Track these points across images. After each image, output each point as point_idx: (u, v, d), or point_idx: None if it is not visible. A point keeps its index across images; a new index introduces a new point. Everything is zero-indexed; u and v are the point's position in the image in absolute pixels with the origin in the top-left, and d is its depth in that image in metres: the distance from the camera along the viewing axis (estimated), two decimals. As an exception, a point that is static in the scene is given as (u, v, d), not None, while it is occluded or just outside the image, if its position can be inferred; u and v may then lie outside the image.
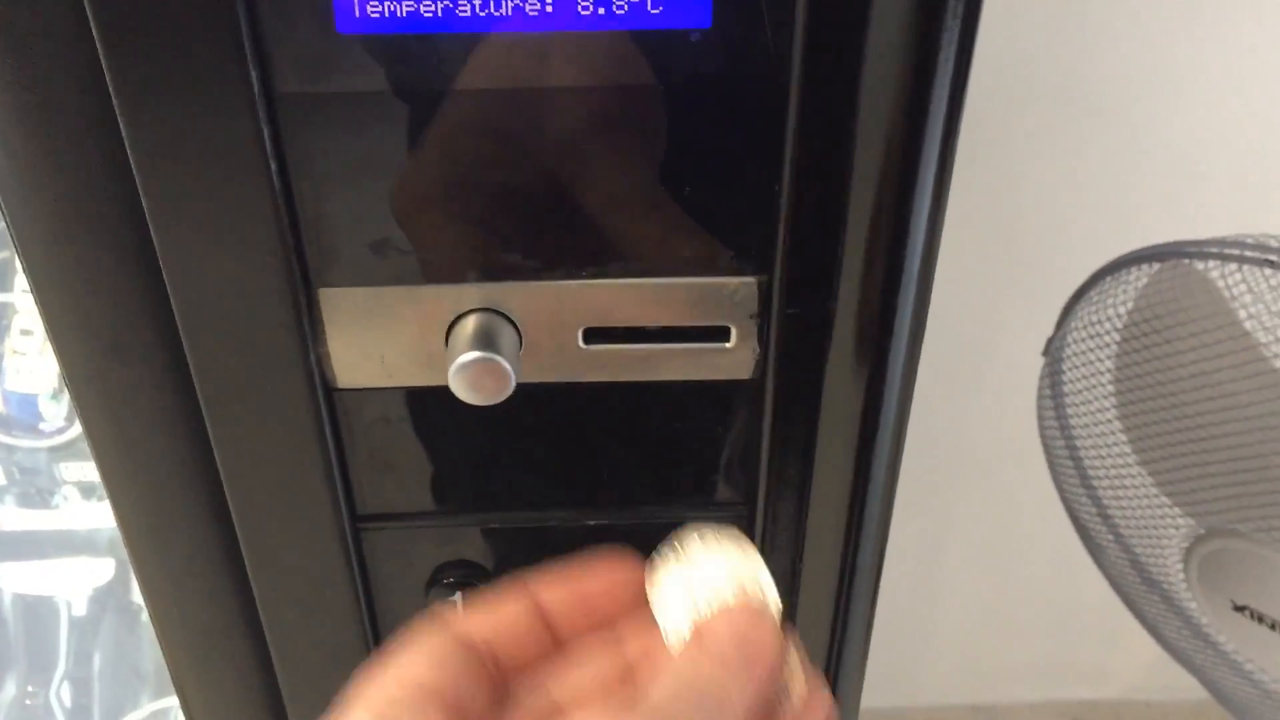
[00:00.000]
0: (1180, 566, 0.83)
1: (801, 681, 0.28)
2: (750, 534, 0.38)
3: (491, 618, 0.29)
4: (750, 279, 0.33)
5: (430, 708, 0.27)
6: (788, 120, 0.30)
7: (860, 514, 0.38)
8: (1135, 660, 1.15)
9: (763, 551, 0.38)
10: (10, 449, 0.85)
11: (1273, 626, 0.76)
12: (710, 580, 0.28)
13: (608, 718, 0.26)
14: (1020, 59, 0.83)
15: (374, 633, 0.40)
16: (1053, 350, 0.84)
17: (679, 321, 0.34)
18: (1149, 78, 0.84)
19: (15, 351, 0.81)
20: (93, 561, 0.97)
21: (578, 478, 0.38)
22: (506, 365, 0.32)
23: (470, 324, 0.33)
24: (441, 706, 0.27)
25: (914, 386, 0.35)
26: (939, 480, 1.01)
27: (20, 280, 0.79)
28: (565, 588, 0.30)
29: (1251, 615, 0.77)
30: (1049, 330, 0.81)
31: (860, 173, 0.31)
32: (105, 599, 0.97)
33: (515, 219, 0.32)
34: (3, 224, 0.32)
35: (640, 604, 0.29)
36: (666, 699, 0.26)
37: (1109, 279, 0.80)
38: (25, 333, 0.79)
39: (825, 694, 0.29)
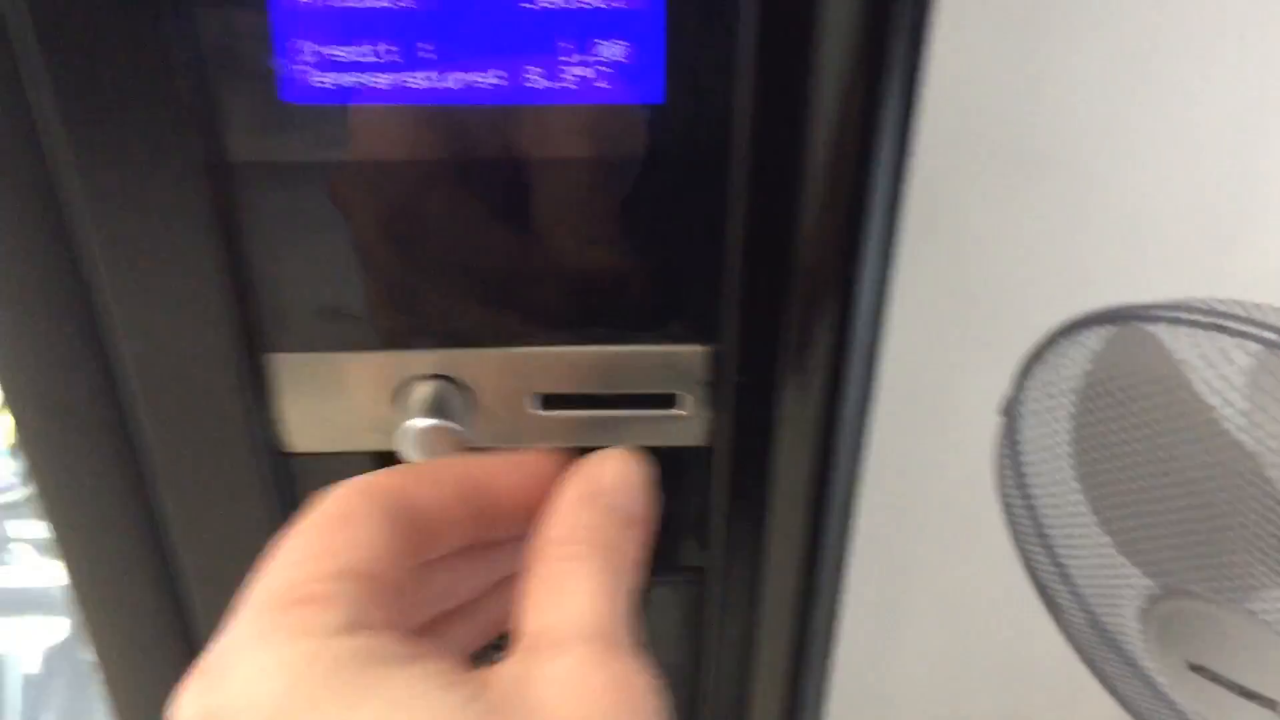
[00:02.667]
0: (1138, 626, 0.83)
1: None
2: (703, 599, 0.38)
3: (430, 487, 0.29)
4: (701, 347, 0.33)
5: (350, 590, 0.26)
6: (737, 193, 0.31)
7: (814, 576, 0.38)
8: (1095, 715, 1.15)
9: (717, 616, 0.38)
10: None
11: (1228, 686, 0.76)
12: None
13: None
14: (974, 120, 0.85)
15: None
16: (1009, 410, 0.85)
17: (632, 388, 0.34)
18: (1101, 139, 0.86)
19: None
20: (46, 620, 0.95)
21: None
22: (457, 430, 0.32)
23: (421, 389, 0.33)
24: (364, 585, 0.26)
25: (865, 447, 0.36)
26: (899, 535, 1.02)
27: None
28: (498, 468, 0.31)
29: (1207, 675, 0.78)
30: (1006, 386, 0.82)
31: (805, 243, 0.31)
32: (58, 658, 0.96)
33: (467, 287, 0.32)
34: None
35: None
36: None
37: (1063, 341, 0.81)
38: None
39: None
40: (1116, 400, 0.80)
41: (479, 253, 0.32)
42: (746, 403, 0.34)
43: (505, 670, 0.26)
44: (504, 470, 0.31)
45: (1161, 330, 0.76)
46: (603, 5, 0.29)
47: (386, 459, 0.33)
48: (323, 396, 0.33)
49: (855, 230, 0.31)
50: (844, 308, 0.32)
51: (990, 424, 0.85)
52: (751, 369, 0.33)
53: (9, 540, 0.94)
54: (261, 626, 0.25)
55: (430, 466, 0.30)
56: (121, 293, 0.31)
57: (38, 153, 0.29)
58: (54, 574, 0.90)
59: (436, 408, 0.33)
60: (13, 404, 0.34)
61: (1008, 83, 0.82)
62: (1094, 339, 0.81)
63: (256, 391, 0.33)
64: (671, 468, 0.36)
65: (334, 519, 0.27)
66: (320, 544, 0.27)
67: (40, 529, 0.85)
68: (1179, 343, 0.74)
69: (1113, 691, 0.91)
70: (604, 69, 0.30)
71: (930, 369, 0.89)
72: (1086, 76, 0.82)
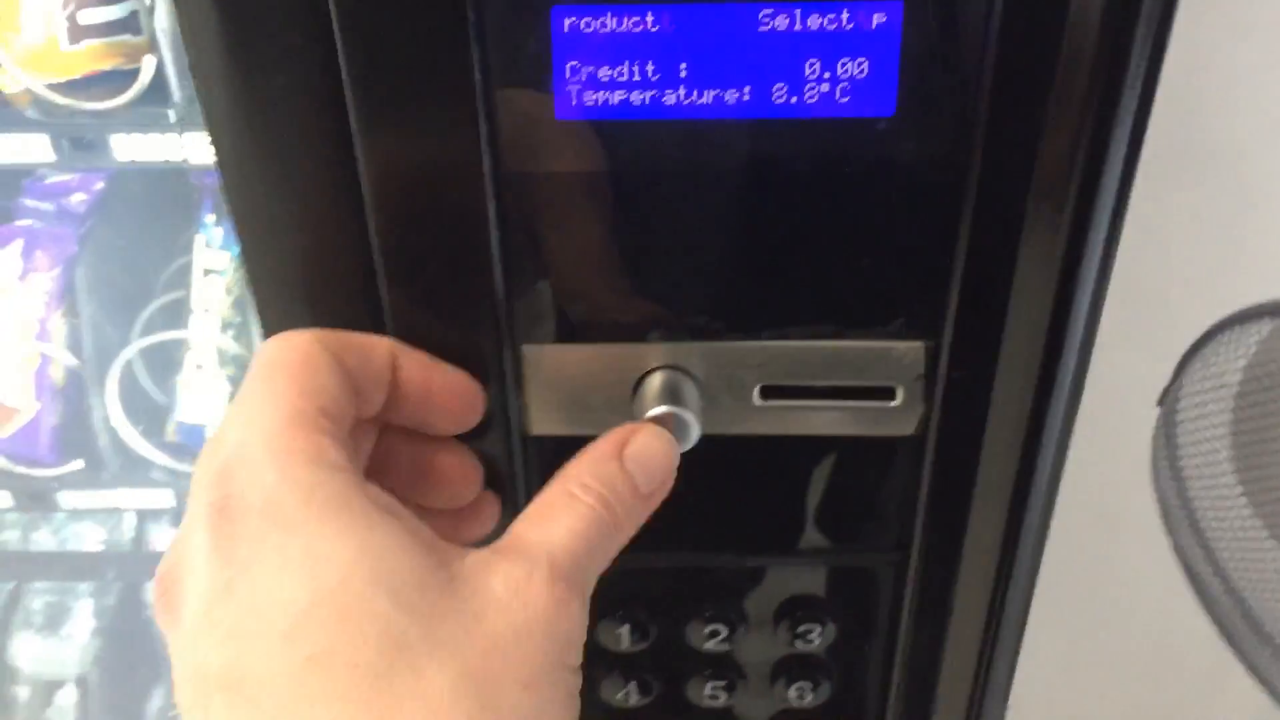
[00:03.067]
0: (1296, 622, 0.82)
1: None
2: (903, 580, 0.41)
3: (358, 353, 0.32)
4: (918, 343, 0.36)
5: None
6: (965, 201, 0.33)
7: (1009, 567, 0.40)
8: (1240, 706, 1.14)
9: (914, 596, 0.40)
10: (181, 475, 0.91)
11: (1393, 686, 0.75)
12: None
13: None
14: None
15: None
16: (1168, 402, 0.84)
17: (850, 381, 0.36)
18: (1263, 134, 0.85)
19: (188, 385, 0.87)
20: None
21: (741, 522, 0.41)
22: (691, 418, 0.35)
23: (657, 380, 0.36)
24: (340, 427, 0.30)
25: (1069, 446, 0.37)
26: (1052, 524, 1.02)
27: (195, 319, 0.85)
28: (421, 363, 0.34)
29: (1370, 673, 0.77)
30: (1162, 380, 0.82)
31: (1028, 252, 0.33)
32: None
33: (702, 285, 0.35)
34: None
35: (469, 415, 0.35)
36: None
37: (1225, 334, 0.80)
38: (198, 367, 0.85)
39: None
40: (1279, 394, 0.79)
41: (718, 254, 0.35)
42: (959, 397, 0.36)
43: (476, 553, 0.29)
44: (418, 364, 0.34)
45: (1333, 325, 0.75)
46: (842, 27, 0.31)
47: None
48: (567, 385, 0.37)
49: (1079, 240, 0.33)
50: (1060, 314, 0.34)
51: (1148, 417, 0.84)
52: (967, 365, 0.35)
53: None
54: (281, 443, 0.29)
55: (360, 338, 0.33)
56: (402, 293, 0.34)
57: (350, 163, 0.32)
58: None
59: (669, 395, 0.36)
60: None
61: (1171, 79, 0.82)
62: (1257, 332, 0.80)
63: (512, 379, 0.36)
64: (883, 454, 0.38)
65: (302, 363, 0.31)
66: (305, 382, 0.30)
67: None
68: (1352, 338, 0.73)
69: (1265, 685, 0.90)
70: (842, 84, 0.32)
71: (1091, 361, 0.89)
72: (1247, 72, 0.81)
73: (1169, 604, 0.90)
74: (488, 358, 0.36)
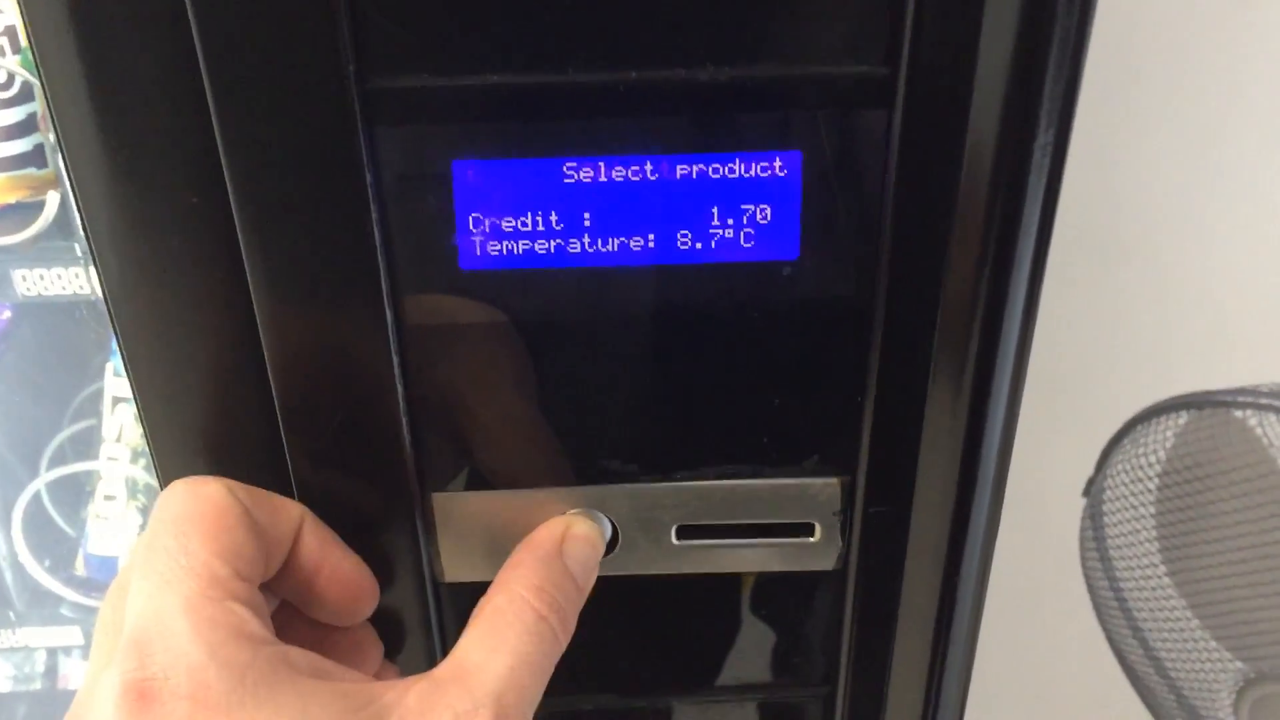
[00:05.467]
0: (1231, 710, 0.83)
1: None
2: (831, 713, 0.40)
3: (269, 514, 0.31)
4: (834, 480, 0.35)
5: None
6: (872, 338, 0.33)
7: (938, 694, 0.39)
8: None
9: (844, 730, 0.40)
10: (90, 610, 0.87)
11: (1328, 774, 0.76)
12: None
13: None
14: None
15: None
16: (1093, 493, 0.85)
17: (768, 519, 0.36)
18: (1177, 225, 0.87)
19: (98, 516, 0.84)
20: None
21: (665, 662, 0.40)
22: (605, 521, 0.35)
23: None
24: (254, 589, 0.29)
25: (989, 577, 0.37)
26: (985, 618, 1.02)
27: (106, 449, 0.83)
28: (322, 540, 0.33)
29: (1306, 762, 0.77)
30: (1089, 469, 0.83)
31: (937, 383, 0.33)
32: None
33: (615, 430, 0.35)
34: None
35: (351, 610, 0.34)
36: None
37: (1145, 425, 0.82)
38: (108, 498, 0.83)
39: None
40: (1203, 485, 0.80)
41: (630, 399, 0.34)
42: (877, 530, 0.36)
43: (416, 690, 0.29)
44: (318, 540, 0.33)
45: (1246, 415, 0.77)
46: (744, 175, 0.32)
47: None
48: (480, 531, 0.36)
49: (987, 366, 0.33)
50: (972, 447, 0.34)
51: (1076, 507, 0.85)
52: (883, 499, 0.35)
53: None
54: (203, 614, 0.27)
55: (272, 497, 0.32)
56: (305, 444, 0.33)
57: (249, 319, 0.32)
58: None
59: (586, 540, 0.35)
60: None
61: (1085, 172, 0.84)
62: (1174, 423, 0.82)
63: (422, 528, 0.35)
64: (805, 590, 0.38)
65: (216, 518, 0.29)
66: (220, 542, 0.29)
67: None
68: (1267, 428, 0.74)
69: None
70: (746, 230, 0.33)
71: (1016, 452, 0.90)
72: (1159, 164, 0.83)
73: (1106, 697, 0.90)
74: (396, 507, 0.35)
